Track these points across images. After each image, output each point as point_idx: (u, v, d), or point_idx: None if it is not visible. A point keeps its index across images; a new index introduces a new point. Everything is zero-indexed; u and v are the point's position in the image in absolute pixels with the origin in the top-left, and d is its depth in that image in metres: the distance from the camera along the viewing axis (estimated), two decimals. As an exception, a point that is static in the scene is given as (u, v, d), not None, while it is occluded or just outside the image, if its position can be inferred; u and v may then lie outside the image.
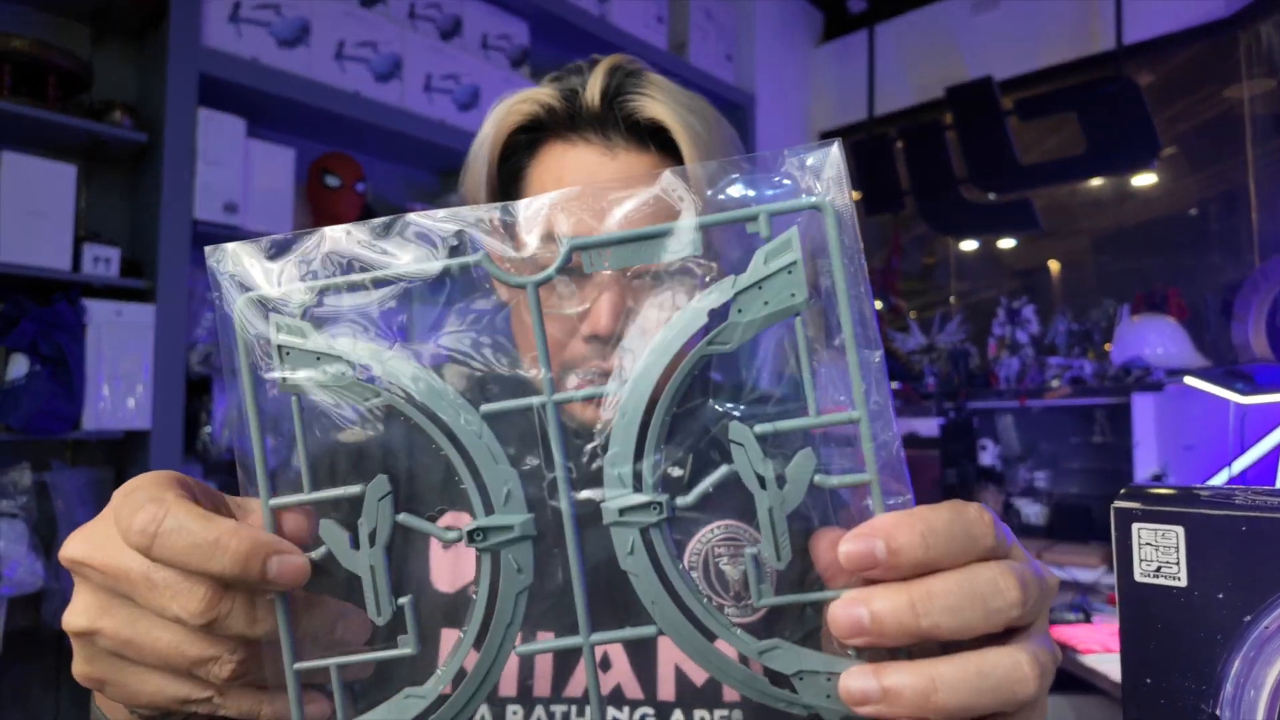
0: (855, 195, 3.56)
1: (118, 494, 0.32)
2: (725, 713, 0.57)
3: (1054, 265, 2.97)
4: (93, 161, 1.78)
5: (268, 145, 1.89)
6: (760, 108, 3.15)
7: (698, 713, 0.57)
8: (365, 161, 2.23)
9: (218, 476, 1.85)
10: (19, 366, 1.53)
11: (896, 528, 0.28)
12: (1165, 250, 2.72)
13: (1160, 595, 0.39)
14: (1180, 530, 0.40)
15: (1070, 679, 1.55)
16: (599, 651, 0.57)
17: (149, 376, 1.67)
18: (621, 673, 0.57)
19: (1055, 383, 2.65)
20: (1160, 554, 0.40)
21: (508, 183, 0.62)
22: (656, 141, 0.58)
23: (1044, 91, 2.88)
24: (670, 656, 0.58)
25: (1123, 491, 0.43)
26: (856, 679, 0.28)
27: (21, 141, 1.66)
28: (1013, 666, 0.28)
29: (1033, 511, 2.71)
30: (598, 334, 0.56)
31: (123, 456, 1.75)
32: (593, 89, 0.58)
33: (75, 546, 0.32)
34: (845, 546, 0.28)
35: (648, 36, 2.73)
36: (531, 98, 0.60)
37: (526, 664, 0.56)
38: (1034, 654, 0.29)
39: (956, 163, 2.99)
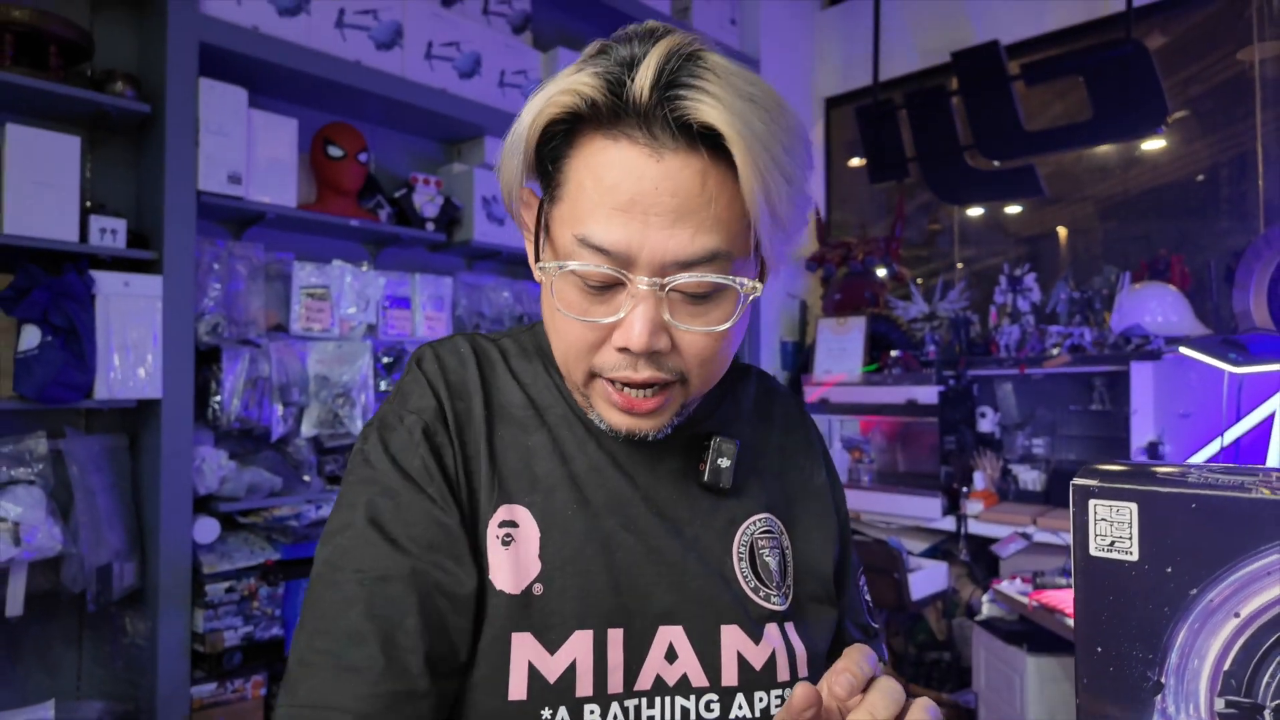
0: (859, 162, 3.52)
1: None
2: (780, 692, 0.59)
3: (1061, 231, 2.96)
4: (97, 132, 1.79)
5: (270, 115, 1.90)
6: (764, 72, 3.12)
7: (757, 694, 0.59)
8: (367, 131, 2.23)
9: (227, 443, 1.89)
10: (31, 337, 1.56)
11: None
12: (1173, 216, 2.71)
13: (1113, 568, 0.42)
14: (1134, 507, 0.42)
15: (1060, 641, 1.60)
16: (665, 642, 0.59)
17: (158, 346, 1.69)
18: (687, 663, 0.59)
19: (1055, 351, 2.66)
20: (1114, 529, 0.42)
21: (544, 169, 0.58)
22: (708, 141, 0.52)
23: (1051, 55, 2.85)
24: (733, 644, 0.60)
25: (1082, 468, 0.45)
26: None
27: (25, 113, 1.67)
28: None
29: (1030, 478, 2.74)
30: (629, 348, 0.55)
31: (135, 424, 1.79)
32: (642, 81, 0.51)
33: None
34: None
35: (651, 1, 2.69)
36: (573, 88, 0.53)
37: (600, 663, 0.57)
38: None
39: (961, 129, 2.96)
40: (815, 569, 0.66)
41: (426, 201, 2.20)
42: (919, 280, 3.24)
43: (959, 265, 3.21)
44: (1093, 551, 0.42)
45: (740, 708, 0.58)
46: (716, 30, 2.94)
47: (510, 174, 0.58)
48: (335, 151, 2.02)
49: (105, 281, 1.64)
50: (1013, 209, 3.08)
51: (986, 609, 1.95)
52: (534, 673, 0.55)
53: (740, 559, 0.63)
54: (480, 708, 0.55)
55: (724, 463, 0.64)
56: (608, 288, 0.55)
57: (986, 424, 2.83)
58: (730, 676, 0.59)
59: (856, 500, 2.90)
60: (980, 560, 2.68)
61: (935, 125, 3.01)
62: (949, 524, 2.72)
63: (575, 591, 0.57)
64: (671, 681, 0.58)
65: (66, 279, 1.58)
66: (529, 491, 0.60)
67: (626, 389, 0.57)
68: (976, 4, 3.04)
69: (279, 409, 1.90)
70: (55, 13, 1.65)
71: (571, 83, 0.53)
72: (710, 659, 0.59)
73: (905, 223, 3.22)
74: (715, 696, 0.58)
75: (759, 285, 0.56)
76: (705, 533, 0.62)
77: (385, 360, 2.13)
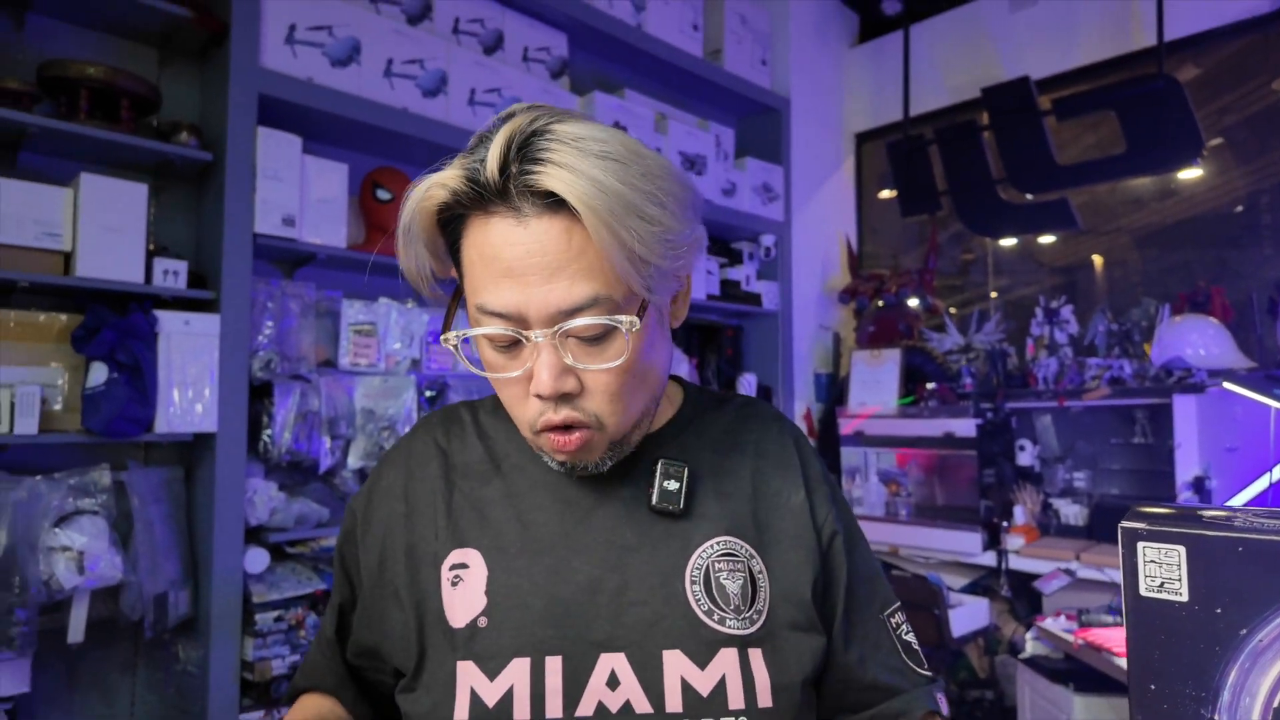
0: (889, 194, 3.54)
1: None
2: (732, 719, 0.60)
3: (1097, 260, 2.95)
4: (162, 179, 1.88)
5: (322, 161, 1.98)
6: (795, 111, 3.17)
7: None
8: (414, 174, 2.30)
9: (277, 475, 1.95)
10: (99, 374, 1.64)
11: None
12: (1211, 246, 2.69)
13: (1163, 609, 0.44)
14: (1182, 549, 0.44)
15: (1107, 680, 1.57)
16: (606, 669, 0.61)
17: (215, 382, 1.76)
18: (630, 689, 0.61)
19: (1095, 383, 2.64)
20: (1164, 570, 0.44)
21: (451, 249, 0.64)
22: (566, 203, 0.57)
23: (1082, 90, 2.86)
24: (676, 669, 0.61)
25: (1129, 511, 0.47)
26: None
27: (97, 162, 1.77)
28: None
29: (1071, 512, 2.70)
30: (540, 394, 0.60)
31: (191, 457, 1.86)
32: (491, 166, 0.57)
33: None
34: None
35: (683, 44, 2.77)
36: (440, 183, 0.61)
37: (538, 689, 0.60)
38: None
39: (993, 163, 2.98)
40: (792, 593, 0.66)
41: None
42: (953, 311, 3.23)
43: (993, 295, 3.20)
44: (1143, 592, 0.44)
45: None
46: (748, 71, 3.01)
47: (412, 263, 0.65)
48: (383, 194, 2.10)
49: (167, 320, 1.72)
50: (1046, 239, 3.08)
51: (1030, 646, 1.93)
52: (475, 698, 0.61)
53: (694, 582, 0.64)
54: None
55: (671, 485, 0.67)
56: (513, 345, 0.61)
57: (1026, 457, 2.81)
58: (675, 703, 0.60)
59: (895, 534, 2.88)
60: (1022, 596, 2.64)
61: (967, 159, 3.03)
62: (989, 559, 2.69)
63: (514, 622, 0.63)
64: (614, 708, 0.60)
65: (133, 319, 1.66)
66: (480, 535, 0.67)
67: (551, 433, 0.62)
68: (1005, 41, 3.07)
69: (327, 441, 1.96)
70: (127, 69, 1.75)
71: (438, 178, 0.61)
72: (653, 685, 0.61)
73: (938, 254, 3.23)
74: None
75: (636, 321, 0.60)
76: (656, 556, 0.65)
77: (429, 394, 2.18)
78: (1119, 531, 0.45)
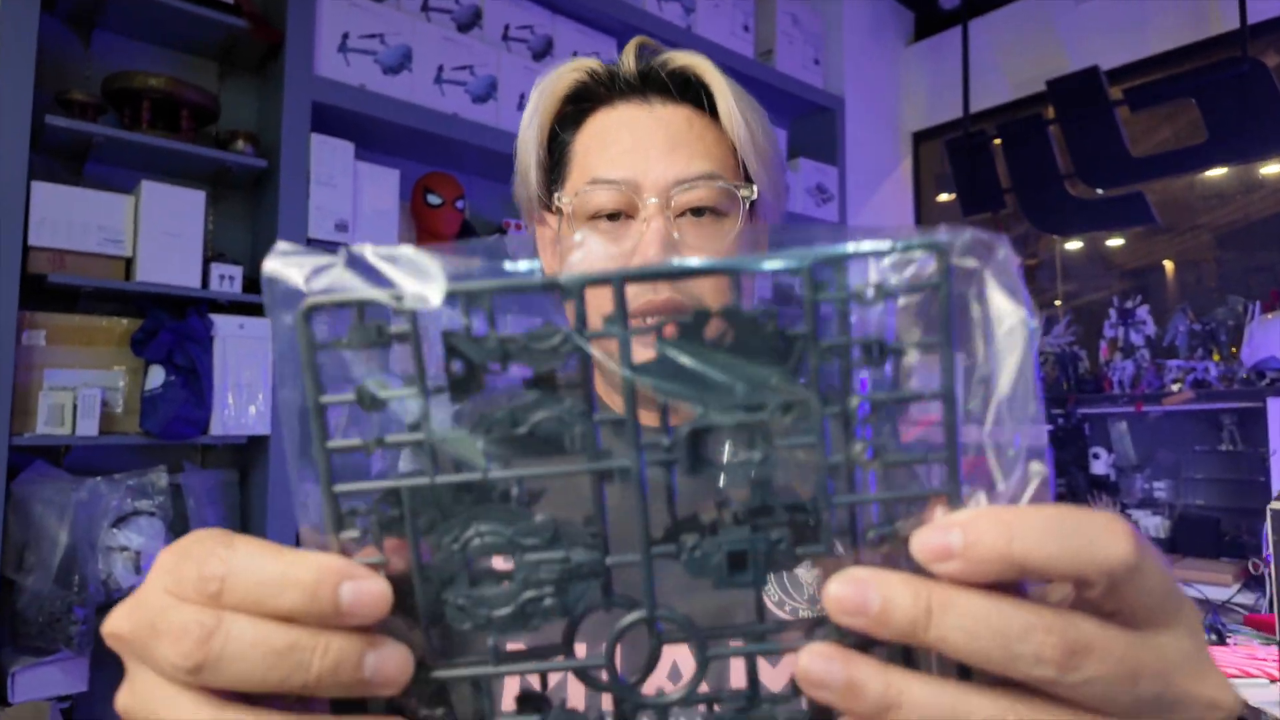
0: (948, 197, 3.42)
1: (170, 551, 0.27)
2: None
3: (1168, 265, 2.79)
4: (219, 187, 1.92)
5: (374, 167, 1.99)
6: (849, 110, 3.10)
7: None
8: (464, 179, 2.31)
9: (330, 480, 1.96)
10: (157, 377, 1.66)
11: (977, 520, 0.23)
12: None
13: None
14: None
15: (1202, 702, 1.45)
16: (668, 661, 0.57)
17: (268, 385, 1.78)
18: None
19: (1176, 387, 2.48)
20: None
21: (556, 162, 0.67)
22: (690, 96, 0.64)
23: (1157, 78, 2.72)
24: (744, 663, 0.56)
25: (1277, 494, 0.40)
26: (818, 661, 0.25)
27: (158, 170, 1.81)
28: None
29: (1151, 524, 2.54)
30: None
31: (246, 460, 1.87)
32: (626, 58, 0.65)
33: (123, 620, 0.26)
34: (920, 539, 0.24)
35: (734, 45, 2.73)
36: (577, 66, 0.66)
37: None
38: None
39: (1060, 158, 2.85)
40: None
41: (519, 246, 2.26)
42: (1019, 316, 3.09)
43: (1057, 303, 3.06)
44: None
45: None
46: (800, 71, 2.95)
47: (523, 165, 0.68)
48: (434, 199, 2.11)
49: (223, 324, 1.74)
50: (1116, 241, 2.92)
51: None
52: (525, 686, 0.56)
53: None
54: None
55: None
56: (620, 218, 0.62)
57: (1100, 466, 2.65)
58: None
59: (959, 547, 2.74)
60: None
61: (1032, 154, 2.91)
62: (1063, 574, 2.54)
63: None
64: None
65: (190, 322, 1.68)
66: None
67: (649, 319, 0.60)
68: (1071, 31, 2.95)
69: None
70: (187, 80, 1.79)
71: (574, 63, 0.66)
72: (719, 679, 0.56)
73: (1002, 256, 3.10)
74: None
75: (754, 190, 0.63)
76: None
77: (478, 399, 2.17)
78: (1268, 515, 0.38)
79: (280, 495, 1.77)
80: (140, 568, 1.60)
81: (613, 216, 0.63)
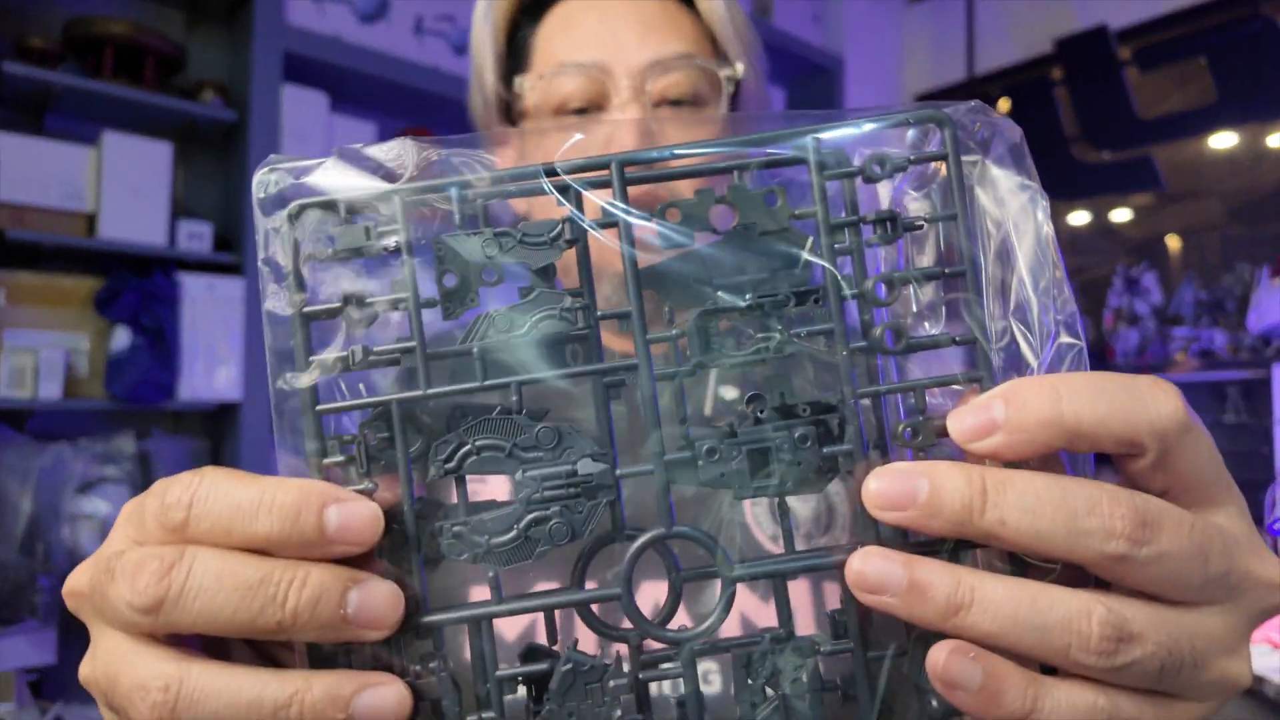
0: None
1: (136, 498, 0.25)
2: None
3: (1172, 242, 2.71)
4: (187, 141, 1.84)
5: (350, 121, 1.91)
6: (849, 71, 3.00)
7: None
8: (444, 134, 2.23)
9: (307, 448, 1.89)
10: (122, 339, 1.59)
11: (1018, 388, 0.22)
12: None
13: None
14: None
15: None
16: (649, 599, 0.50)
17: (240, 349, 1.71)
18: (678, 624, 0.51)
19: (1181, 356, 2.42)
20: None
21: (517, 58, 0.60)
22: None
23: (1167, 38, 2.62)
24: (734, 604, 0.51)
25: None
26: (875, 561, 0.22)
27: (121, 122, 1.72)
28: (1075, 616, 0.21)
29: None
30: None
31: (217, 428, 1.81)
32: None
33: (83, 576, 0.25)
34: (957, 419, 0.22)
35: None
36: None
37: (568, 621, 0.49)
38: (1117, 619, 0.21)
39: (1066, 121, 2.76)
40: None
41: (502, 207, 2.18)
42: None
43: (1057, 273, 2.97)
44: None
45: None
46: (799, 28, 2.85)
47: (483, 70, 0.60)
48: (414, 156, 2.03)
49: (191, 284, 1.67)
50: (1122, 215, 2.84)
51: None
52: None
53: (755, 503, 0.57)
54: None
55: (729, 393, 0.59)
56: (590, 111, 0.56)
57: (1102, 437, 2.60)
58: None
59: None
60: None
61: (1037, 117, 2.82)
62: (1062, 546, 2.50)
63: None
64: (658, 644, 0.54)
65: (155, 281, 1.61)
66: None
67: None
68: (1081, -12, 2.84)
69: (356, 415, 1.89)
70: (152, 27, 1.70)
71: None
72: (705, 618, 0.52)
73: (1005, 224, 3.02)
74: (714, 665, 0.52)
75: (738, 69, 0.57)
76: None
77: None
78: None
79: (254, 465, 1.71)
80: (107, 536, 1.55)
81: (581, 111, 0.56)
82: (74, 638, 1.66)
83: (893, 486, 0.22)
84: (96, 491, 1.57)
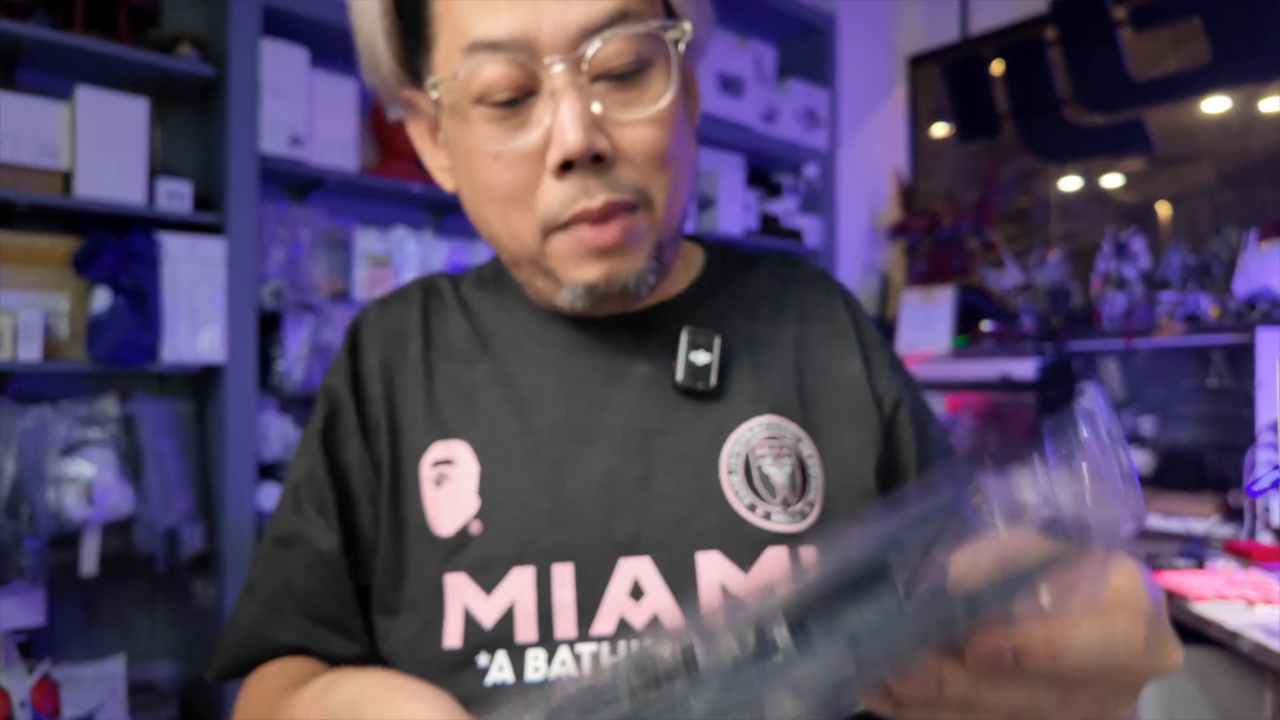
0: (945, 131, 3.30)
1: None
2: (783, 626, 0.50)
3: (1162, 210, 2.69)
4: (164, 98, 1.79)
5: (331, 77, 1.87)
6: (841, 30, 2.95)
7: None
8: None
9: (292, 410, 1.89)
10: (102, 300, 1.57)
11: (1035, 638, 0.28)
12: None
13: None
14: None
15: (1180, 628, 1.43)
16: (629, 576, 0.51)
17: (222, 310, 1.69)
18: (657, 598, 0.50)
19: (1166, 321, 2.42)
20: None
21: (411, 23, 0.52)
22: None
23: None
24: (714, 573, 0.51)
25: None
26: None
27: (94, 77, 1.68)
28: None
29: (1137, 460, 2.52)
30: (565, 154, 0.47)
31: (202, 391, 1.79)
32: None
33: None
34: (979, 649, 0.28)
35: (721, -45, 2.57)
36: None
37: (545, 604, 0.50)
38: None
39: (1060, 82, 2.73)
40: (851, 479, 0.56)
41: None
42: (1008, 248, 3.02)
43: (1052, 245, 2.97)
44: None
45: None
46: (791, -15, 2.79)
47: (372, 45, 0.55)
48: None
49: (171, 244, 1.64)
50: (1114, 181, 2.82)
51: (1093, 596, 1.78)
52: (470, 619, 0.50)
53: (731, 471, 0.53)
54: (416, 659, 0.51)
55: (700, 358, 0.55)
56: (520, 101, 0.48)
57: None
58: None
59: (941, 482, 2.72)
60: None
61: (1031, 78, 2.79)
62: (1045, 508, 2.53)
63: (514, 525, 0.51)
64: (639, 622, 0.50)
65: (134, 241, 1.58)
66: (468, 425, 0.55)
67: (585, 226, 0.49)
68: (1078, -55, 2.79)
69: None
70: (123, -23, 1.65)
71: None
72: (686, 593, 0.50)
73: (998, 187, 3.01)
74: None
75: (686, 28, 0.50)
76: (684, 443, 0.54)
77: (449, 329, 2.09)
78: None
79: (239, 427, 1.70)
80: (93, 498, 1.54)
81: (510, 103, 0.48)
82: (63, 600, 1.66)
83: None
84: (81, 454, 1.56)
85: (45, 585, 1.54)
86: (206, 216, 1.69)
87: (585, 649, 0.49)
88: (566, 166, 0.48)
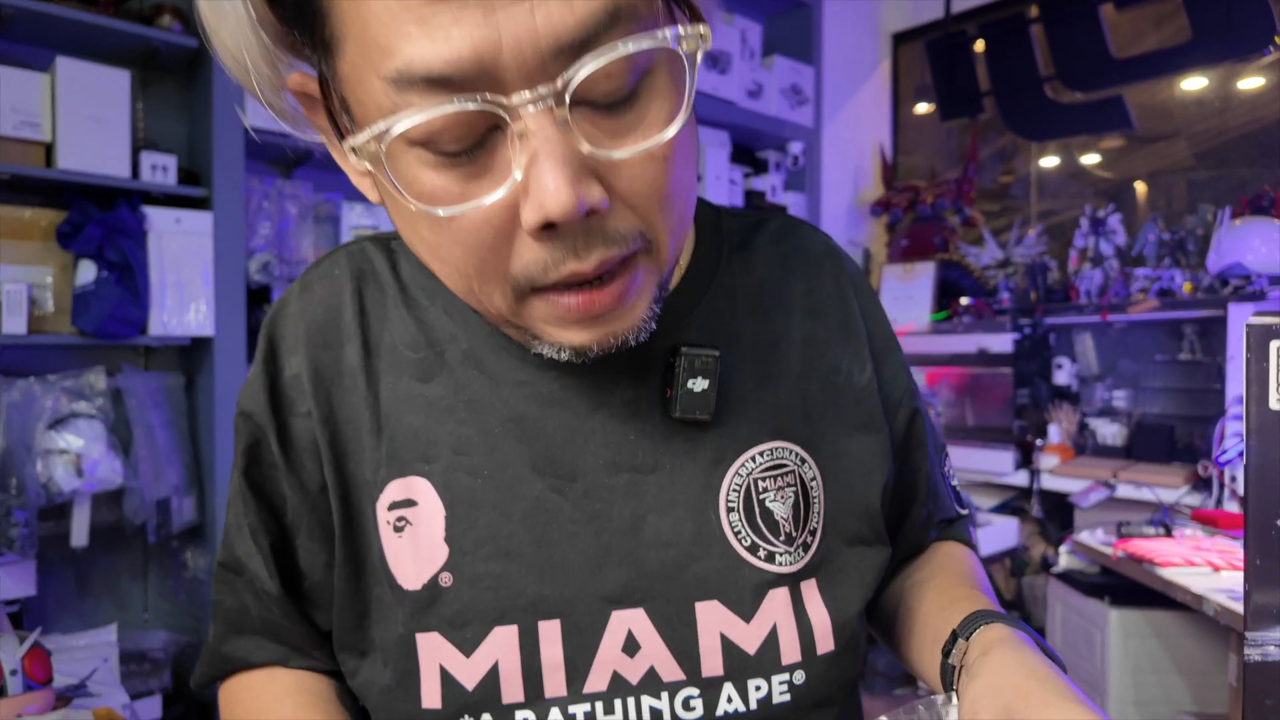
0: (927, 108, 3.31)
1: None
2: (786, 676, 0.47)
3: (1139, 187, 2.74)
4: (147, 69, 1.77)
5: (316, 49, 1.86)
6: (826, 7, 2.96)
7: (753, 683, 0.46)
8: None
9: (281, 384, 1.89)
10: (87, 273, 1.57)
11: None
12: (1275, 163, 2.47)
13: (1300, 424, 0.33)
14: (1331, 349, 0.33)
15: (1146, 593, 1.48)
16: (621, 630, 0.46)
17: (210, 284, 1.69)
18: (654, 653, 0.46)
19: (1141, 296, 2.48)
20: (1303, 377, 0.34)
21: (299, 22, 0.37)
22: None
23: (1145, -25, 2.61)
24: (714, 624, 0.46)
25: (1255, 313, 0.36)
26: None
27: (75, 49, 1.66)
28: None
29: (1109, 432, 2.58)
30: (550, 219, 0.35)
31: (191, 364, 1.80)
32: None
33: None
34: None
35: (706, -71, 2.56)
36: None
37: (532, 663, 0.45)
38: None
39: (1042, 60, 2.76)
40: (855, 503, 0.51)
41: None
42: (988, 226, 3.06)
43: (1031, 222, 3.01)
44: (1273, 404, 0.33)
45: (730, 701, 0.46)
46: (776, -40, 2.79)
47: (240, 64, 0.39)
48: (383, 88, 1.98)
49: (157, 218, 1.64)
50: (1091, 159, 2.86)
51: (1064, 560, 1.84)
52: (448, 680, 0.45)
53: (730, 509, 0.48)
54: (393, 713, 0.46)
55: (699, 385, 0.47)
56: (475, 148, 0.35)
57: (1063, 376, 2.67)
58: (713, 665, 0.46)
59: (921, 455, 2.78)
60: (1054, 518, 2.55)
61: (1013, 56, 2.81)
62: (1021, 479, 2.59)
63: (491, 578, 0.45)
64: (634, 678, 0.45)
65: (119, 214, 1.58)
66: (428, 459, 0.47)
67: (571, 295, 0.39)
68: (1061, -78, 2.81)
69: (331, 350, 1.89)
70: (102, -55, 1.63)
71: None
72: (685, 646, 0.46)
73: (978, 165, 3.04)
74: (694, 691, 0.46)
75: (704, 31, 0.36)
76: (679, 479, 0.47)
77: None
78: (1245, 333, 0.34)
79: (229, 399, 1.71)
80: (82, 470, 1.55)
81: (461, 154, 0.36)
82: (54, 573, 1.68)
83: None
84: (69, 426, 1.56)
85: (36, 556, 1.55)
86: (192, 190, 1.69)
87: (578, 709, 0.45)
88: (549, 227, 0.36)
